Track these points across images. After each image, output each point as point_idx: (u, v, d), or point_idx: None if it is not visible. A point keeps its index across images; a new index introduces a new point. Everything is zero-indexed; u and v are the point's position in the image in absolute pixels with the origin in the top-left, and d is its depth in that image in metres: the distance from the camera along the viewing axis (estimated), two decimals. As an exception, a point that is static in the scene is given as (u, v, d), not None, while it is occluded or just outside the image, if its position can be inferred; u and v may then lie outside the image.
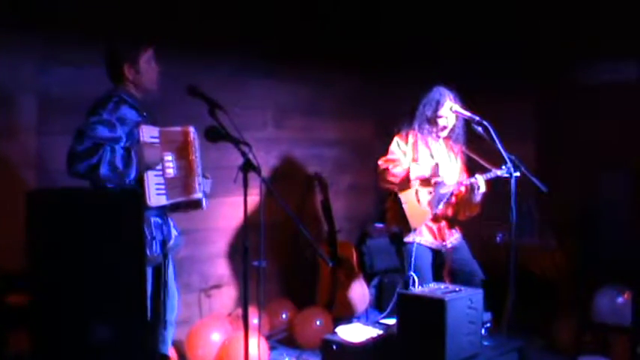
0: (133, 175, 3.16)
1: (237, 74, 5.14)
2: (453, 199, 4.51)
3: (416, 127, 4.49)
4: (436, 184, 4.41)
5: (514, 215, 4.11)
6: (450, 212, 4.53)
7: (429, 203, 4.42)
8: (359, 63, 6.07)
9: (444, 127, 4.46)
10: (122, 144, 3.18)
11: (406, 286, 4.22)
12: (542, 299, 5.04)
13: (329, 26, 5.80)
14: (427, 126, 4.47)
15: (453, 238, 4.55)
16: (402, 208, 4.39)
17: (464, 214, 4.53)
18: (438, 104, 4.41)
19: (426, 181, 4.40)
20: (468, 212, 4.51)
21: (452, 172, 4.52)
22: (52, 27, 3.98)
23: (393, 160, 4.43)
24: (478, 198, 4.37)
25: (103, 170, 3.07)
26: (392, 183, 4.39)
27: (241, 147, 3.24)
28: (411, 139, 4.48)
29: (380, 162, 4.46)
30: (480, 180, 4.32)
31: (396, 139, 4.52)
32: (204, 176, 3.53)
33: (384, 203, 4.70)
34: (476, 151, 4.52)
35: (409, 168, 4.33)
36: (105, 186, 3.13)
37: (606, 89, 5.22)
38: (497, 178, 4.32)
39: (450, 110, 4.42)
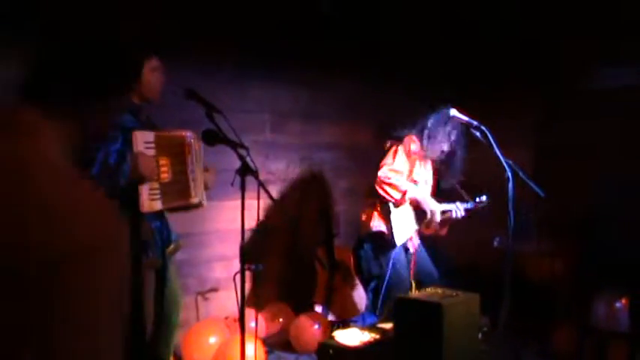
0: (125, 175, 3.13)
1: (235, 78, 5.14)
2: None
3: (426, 149, 4.57)
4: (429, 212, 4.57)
5: (512, 220, 4.12)
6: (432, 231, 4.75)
7: (417, 221, 4.62)
8: (357, 67, 6.07)
9: (442, 150, 4.60)
10: (117, 146, 3.17)
11: (390, 289, 4.36)
12: (540, 304, 5.04)
13: (328, 30, 5.80)
14: (432, 149, 4.56)
15: (416, 239, 4.77)
16: (388, 219, 4.51)
17: (431, 230, 4.74)
18: (449, 136, 4.50)
19: (415, 203, 4.54)
20: (438, 231, 4.74)
21: (429, 184, 4.74)
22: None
23: (399, 173, 4.49)
24: (451, 220, 4.63)
25: (95, 169, 3.04)
26: (393, 197, 4.49)
27: (239, 150, 3.23)
28: (412, 155, 4.57)
29: (386, 171, 4.49)
30: (461, 209, 4.57)
31: (401, 149, 4.55)
32: (206, 170, 3.49)
33: (369, 203, 4.78)
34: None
35: (407, 189, 4.45)
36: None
37: (604, 94, 5.23)
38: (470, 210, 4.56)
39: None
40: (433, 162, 4.73)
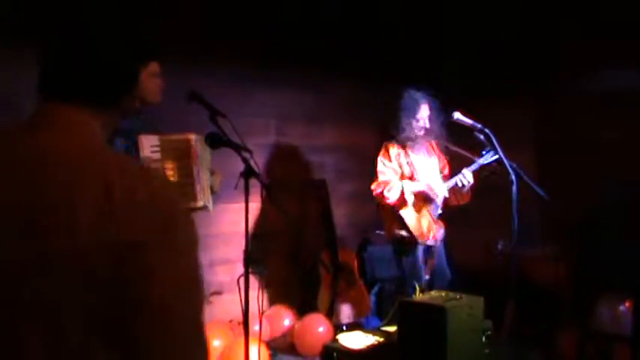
0: None
1: (239, 81, 5.15)
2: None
3: (402, 138, 4.60)
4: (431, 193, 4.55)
5: (515, 223, 4.11)
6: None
7: (429, 211, 4.55)
8: (360, 70, 6.07)
9: (422, 128, 4.60)
10: (119, 142, 3.17)
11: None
12: (544, 308, 5.03)
13: (331, 33, 5.81)
14: (411, 133, 4.58)
15: (440, 233, 4.70)
16: (405, 224, 4.52)
17: (456, 201, 4.71)
18: (416, 110, 4.53)
19: (420, 193, 4.54)
20: (460, 200, 4.71)
21: (435, 173, 4.68)
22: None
23: (385, 183, 4.54)
24: (467, 189, 4.55)
25: None
26: (390, 203, 4.51)
27: (242, 153, 3.23)
28: (392, 153, 4.58)
29: (373, 187, 4.60)
30: (468, 174, 4.46)
31: (380, 159, 4.65)
32: (212, 173, 3.48)
33: (381, 211, 4.80)
34: (457, 144, 4.66)
35: (403, 189, 4.45)
36: None
37: (605, 95, 5.22)
38: (484, 166, 4.45)
39: (426, 112, 4.59)
40: (432, 145, 4.73)
